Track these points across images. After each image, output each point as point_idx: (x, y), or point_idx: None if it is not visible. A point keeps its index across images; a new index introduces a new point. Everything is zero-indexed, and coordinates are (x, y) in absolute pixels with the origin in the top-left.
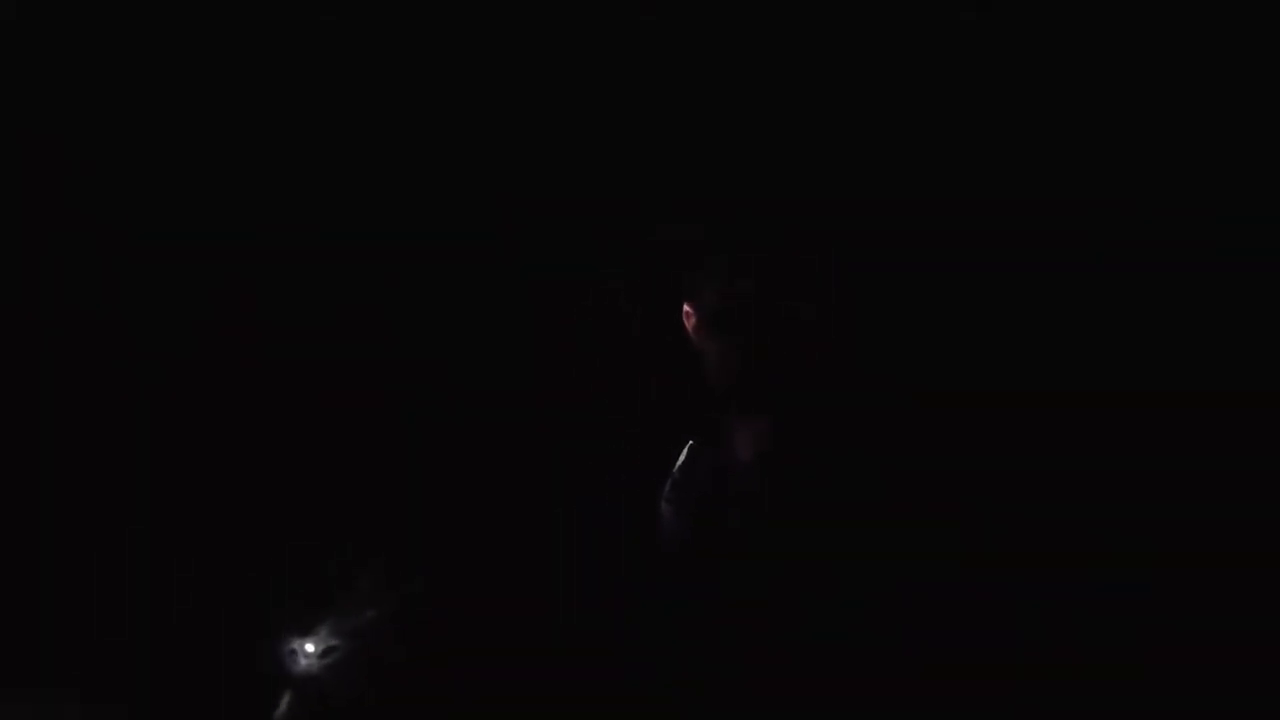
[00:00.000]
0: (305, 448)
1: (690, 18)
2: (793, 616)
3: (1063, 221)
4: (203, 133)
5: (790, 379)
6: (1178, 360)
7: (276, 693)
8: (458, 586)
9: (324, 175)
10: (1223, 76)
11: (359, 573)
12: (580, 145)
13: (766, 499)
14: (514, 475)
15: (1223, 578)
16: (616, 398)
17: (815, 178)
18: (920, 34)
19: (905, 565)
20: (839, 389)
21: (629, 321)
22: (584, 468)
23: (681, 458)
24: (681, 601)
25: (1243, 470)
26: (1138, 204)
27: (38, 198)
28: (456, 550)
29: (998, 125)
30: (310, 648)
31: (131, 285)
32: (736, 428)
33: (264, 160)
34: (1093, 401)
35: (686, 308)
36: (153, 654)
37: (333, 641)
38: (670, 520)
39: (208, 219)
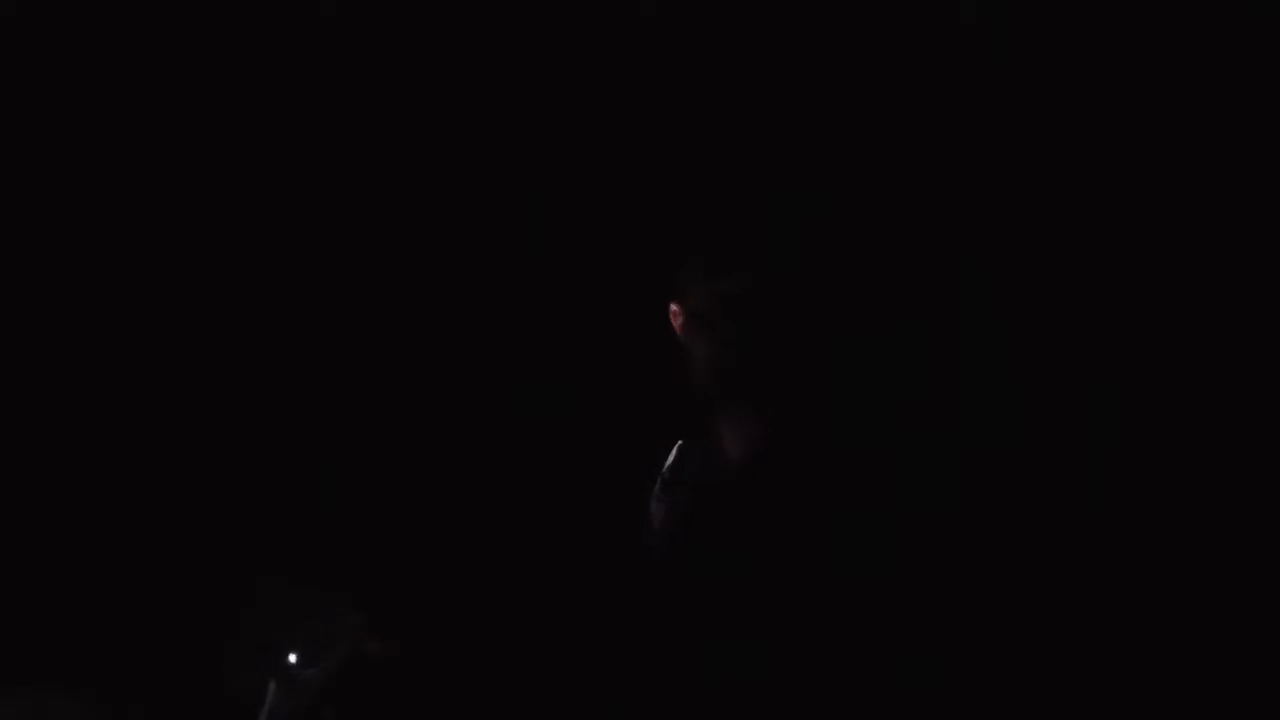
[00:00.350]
0: (298, 450)
1: (679, 14)
2: (784, 614)
3: (1049, 218)
4: (202, 133)
5: (778, 377)
6: (1174, 357)
7: (261, 698)
8: (446, 590)
9: (320, 175)
10: (1223, 77)
11: (347, 576)
12: (567, 143)
13: (757, 497)
14: (504, 476)
15: (1222, 578)
16: (604, 397)
17: (802, 175)
18: (903, 32)
19: (897, 563)
20: (828, 386)
21: (617, 320)
22: (574, 468)
23: (671, 457)
24: (671, 601)
25: (1242, 472)
26: (1132, 205)
27: (37, 197)
28: (446, 552)
29: (978, 122)
30: (293, 658)
31: (129, 285)
32: (725, 426)
33: (264, 160)
34: (1085, 397)
35: (673, 306)
36: (149, 655)
37: (320, 647)
38: (660, 519)
39: (207, 219)
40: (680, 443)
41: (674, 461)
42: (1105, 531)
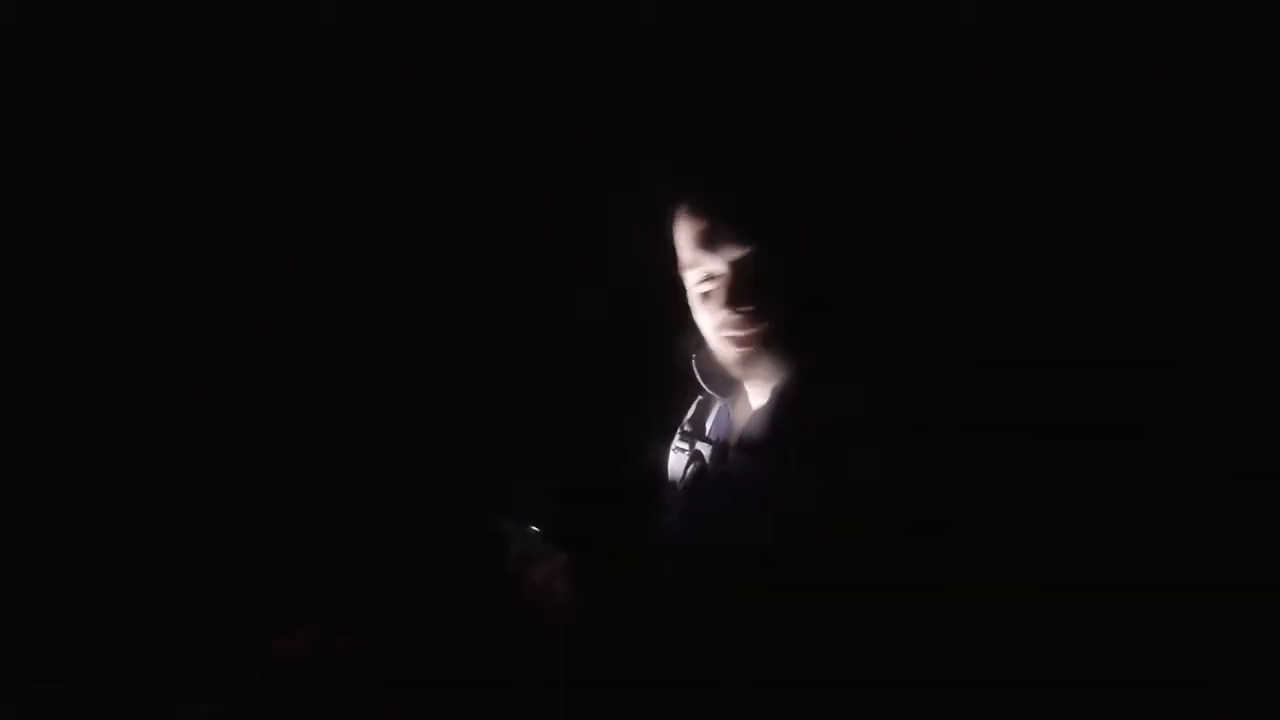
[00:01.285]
0: (294, 447)
1: (679, 18)
2: (793, 562)
3: (1049, 217)
4: (202, 137)
5: (788, 345)
6: (1175, 356)
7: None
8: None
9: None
10: (1223, 77)
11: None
12: (567, 146)
13: (771, 447)
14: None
15: (1222, 578)
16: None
17: (800, 172)
18: (903, 32)
19: (901, 518)
20: (839, 349)
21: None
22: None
23: (691, 410)
24: (685, 547)
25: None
26: (1132, 204)
27: (37, 198)
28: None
29: (978, 121)
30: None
31: (129, 285)
32: (742, 382)
33: (263, 163)
34: (1095, 377)
35: (682, 275)
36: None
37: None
38: (676, 470)
39: (207, 222)
40: (700, 396)
41: (694, 415)
42: (1104, 529)
